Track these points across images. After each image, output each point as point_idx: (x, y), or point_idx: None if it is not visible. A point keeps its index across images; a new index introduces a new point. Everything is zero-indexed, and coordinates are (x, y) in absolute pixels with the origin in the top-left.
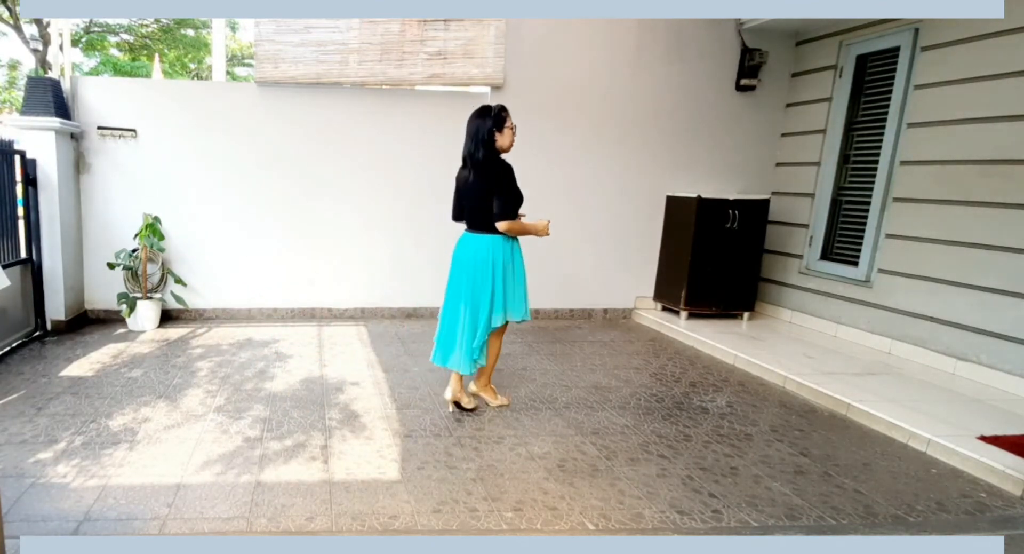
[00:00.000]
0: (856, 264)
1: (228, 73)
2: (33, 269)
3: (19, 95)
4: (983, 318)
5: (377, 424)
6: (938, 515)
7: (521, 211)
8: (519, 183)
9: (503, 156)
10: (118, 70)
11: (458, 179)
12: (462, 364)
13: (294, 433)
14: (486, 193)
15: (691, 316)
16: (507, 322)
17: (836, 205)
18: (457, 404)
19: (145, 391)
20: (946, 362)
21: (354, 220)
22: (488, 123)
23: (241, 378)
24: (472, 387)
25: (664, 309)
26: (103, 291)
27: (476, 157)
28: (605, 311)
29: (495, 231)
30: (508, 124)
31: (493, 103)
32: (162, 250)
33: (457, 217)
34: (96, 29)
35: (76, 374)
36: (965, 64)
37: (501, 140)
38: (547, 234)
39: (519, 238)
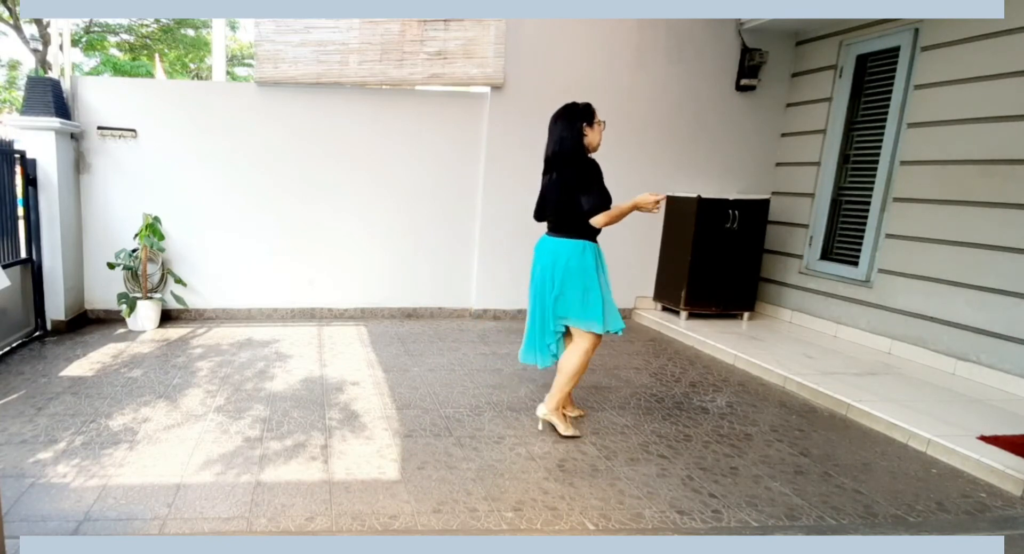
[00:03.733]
0: (856, 264)
1: (228, 73)
2: (33, 269)
3: (19, 95)
4: (983, 318)
5: (377, 424)
6: (938, 515)
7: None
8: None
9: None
10: (118, 70)
11: (542, 181)
12: (540, 358)
13: (294, 433)
14: (571, 192)
15: (691, 316)
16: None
17: (836, 205)
18: (551, 425)
19: (145, 391)
20: (946, 362)
21: (354, 219)
22: (578, 121)
23: (241, 378)
24: (541, 409)
25: (664, 309)
26: (103, 291)
27: (563, 155)
28: None
29: (577, 234)
30: (598, 119)
31: (576, 103)
32: (162, 250)
33: (539, 217)
34: (96, 29)
35: (76, 374)
36: (965, 64)
37: (592, 136)
38: (651, 208)
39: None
